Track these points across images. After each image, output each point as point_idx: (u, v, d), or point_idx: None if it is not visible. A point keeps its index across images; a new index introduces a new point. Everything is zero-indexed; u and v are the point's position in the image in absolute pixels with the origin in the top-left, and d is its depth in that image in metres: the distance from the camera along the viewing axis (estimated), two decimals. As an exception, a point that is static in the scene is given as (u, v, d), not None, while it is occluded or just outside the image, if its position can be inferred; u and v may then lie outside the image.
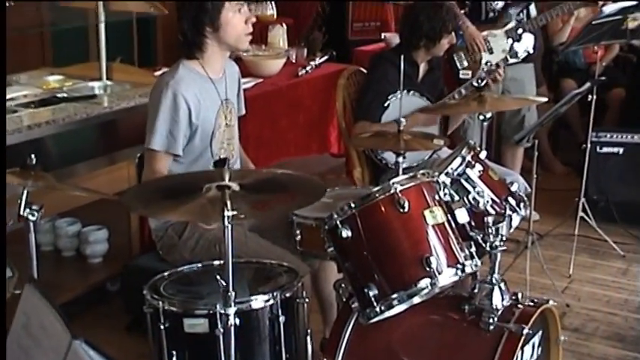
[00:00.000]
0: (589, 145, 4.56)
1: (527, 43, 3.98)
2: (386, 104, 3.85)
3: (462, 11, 4.77)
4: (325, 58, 5.21)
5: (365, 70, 4.20)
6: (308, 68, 4.95)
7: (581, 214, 4.55)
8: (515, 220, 2.97)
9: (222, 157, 2.91)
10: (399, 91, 3.74)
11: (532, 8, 4.80)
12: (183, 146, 2.95)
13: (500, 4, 4.79)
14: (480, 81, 3.36)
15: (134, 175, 3.43)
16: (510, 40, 4.61)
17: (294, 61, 5.17)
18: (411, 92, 3.91)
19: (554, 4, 4.86)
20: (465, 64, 4.71)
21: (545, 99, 3.85)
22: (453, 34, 3.96)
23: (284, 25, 5.45)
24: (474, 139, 3.31)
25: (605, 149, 5.06)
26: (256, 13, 6.04)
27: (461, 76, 4.63)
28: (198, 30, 2.94)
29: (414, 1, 4.19)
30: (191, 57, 2.99)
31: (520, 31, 4.48)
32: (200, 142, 2.99)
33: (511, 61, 4.09)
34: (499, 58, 4.43)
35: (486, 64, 3.89)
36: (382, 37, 5.90)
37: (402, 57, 3.25)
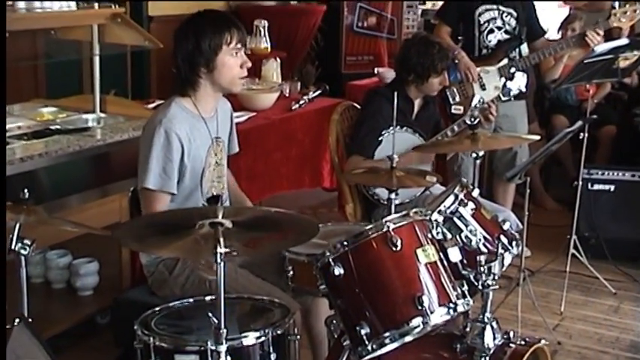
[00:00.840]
0: (581, 182, 4.59)
1: (519, 82, 4.02)
2: (379, 139, 3.87)
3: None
4: (318, 92, 5.23)
5: (358, 106, 4.23)
6: (301, 102, 4.97)
7: (572, 250, 4.56)
8: (508, 259, 2.98)
9: (215, 194, 2.92)
10: (392, 127, 3.76)
11: (524, 47, 4.85)
12: (176, 184, 2.94)
13: (494, 41, 4.84)
14: (473, 119, 3.38)
15: (126, 208, 3.42)
16: (503, 79, 4.65)
17: (287, 94, 5.19)
18: (404, 128, 3.93)
19: (548, 44, 4.91)
20: (458, 99, 4.74)
21: (538, 137, 3.87)
22: (445, 75, 3.98)
23: (278, 58, 5.48)
24: (467, 177, 3.33)
25: (596, 186, 5.09)
26: (250, 47, 6.09)
27: (453, 110, 4.68)
28: (192, 69, 2.94)
29: (411, 36, 4.23)
30: (184, 94, 3.00)
31: (513, 69, 4.53)
32: (190, 181, 2.98)
33: (504, 99, 4.13)
34: (491, 95, 4.48)
35: (479, 101, 3.92)
36: (375, 71, 5.93)
37: (396, 93, 3.27)
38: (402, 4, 7.80)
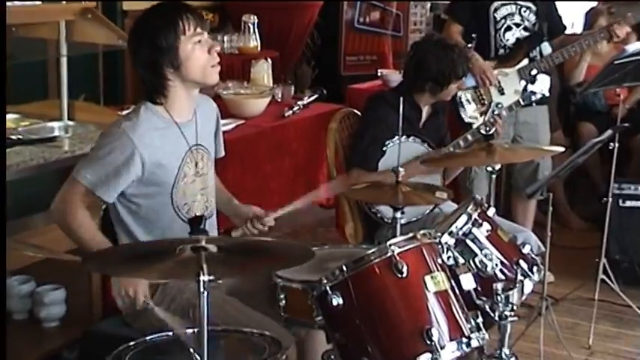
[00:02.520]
0: (611, 198, 4.59)
1: (542, 84, 4.05)
2: (383, 150, 3.88)
3: (469, 46, 4.84)
4: (315, 96, 5.25)
5: (360, 113, 4.24)
6: (295, 108, 4.99)
7: (601, 275, 4.56)
8: (528, 287, 2.99)
9: (197, 213, 2.93)
10: (396, 137, 3.77)
11: (545, 45, 4.87)
12: (114, 197, 2.95)
13: (512, 39, 4.86)
14: (487, 128, 3.40)
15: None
16: (523, 82, 4.66)
17: (279, 100, 5.21)
18: (411, 138, 3.95)
19: (569, 40, 4.94)
20: (473, 106, 4.76)
21: (562, 149, 3.88)
22: (464, 79, 4.01)
23: (268, 59, 5.50)
24: (481, 193, 3.34)
25: (628, 203, 5.10)
26: (238, 45, 6.12)
27: (467, 119, 4.69)
28: (156, 72, 2.94)
29: (423, 39, 4.24)
30: (154, 102, 3.02)
31: (534, 71, 4.55)
32: (159, 195, 3.00)
33: (523, 104, 4.14)
34: (511, 100, 4.48)
35: (497, 106, 3.93)
36: (378, 73, 5.96)
37: (402, 99, 3.28)
38: (408, -3, 7.84)
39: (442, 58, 3.90)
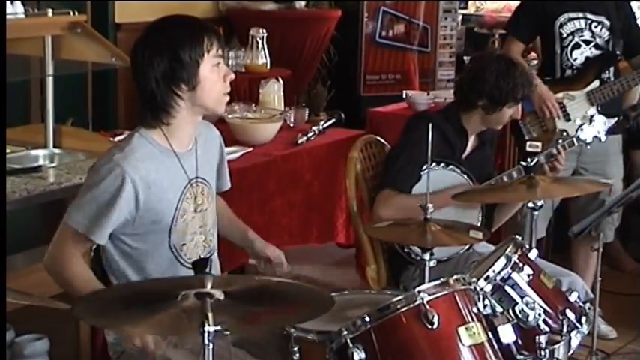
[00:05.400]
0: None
1: (597, 127, 4.02)
2: (420, 174, 3.87)
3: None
4: (331, 121, 5.27)
5: (383, 140, 4.26)
6: (309, 135, 5.01)
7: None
8: (575, 340, 2.99)
9: (201, 253, 2.95)
10: (434, 164, 3.80)
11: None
12: (107, 236, 2.97)
13: (580, 58, 4.83)
14: (529, 159, 3.41)
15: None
16: (593, 107, 4.64)
17: (291, 125, 5.23)
18: (450, 167, 3.95)
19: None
20: (534, 133, 4.72)
21: (611, 181, 3.88)
22: (520, 106, 4.02)
23: (279, 78, 5.53)
24: (538, 234, 3.33)
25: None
26: (245, 63, 6.15)
27: (528, 148, 4.62)
28: (170, 89, 2.96)
29: (484, 53, 4.24)
30: (153, 126, 3.03)
31: (591, 110, 4.52)
32: (154, 234, 3.02)
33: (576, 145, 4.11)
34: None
35: (562, 133, 3.92)
36: (404, 94, 5.98)
37: (431, 126, 3.29)
38: (437, 8, 7.87)
39: (503, 73, 3.90)
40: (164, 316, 2.28)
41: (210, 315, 2.18)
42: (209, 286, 2.19)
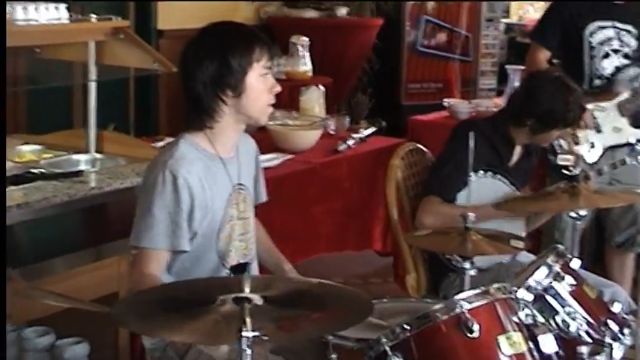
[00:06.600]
0: None
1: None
2: (465, 182, 3.84)
3: None
4: (372, 129, 5.27)
5: (424, 148, 4.25)
6: (350, 142, 5.01)
7: None
8: (617, 352, 2.95)
9: (240, 260, 2.94)
10: (482, 172, 3.80)
11: None
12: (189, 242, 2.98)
13: (610, 68, 4.80)
14: (572, 168, 3.38)
15: (126, 274, 3.46)
16: (625, 118, 4.59)
17: (332, 132, 5.23)
18: (498, 176, 3.93)
19: None
20: (566, 146, 4.69)
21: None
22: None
23: (320, 86, 5.53)
24: (569, 244, 3.31)
25: None
26: (286, 70, 6.16)
27: (559, 161, 4.58)
28: (216, 93, 2.98)
29: (542, 71, 4.21)
30: (198, 128, 3.04)
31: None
32: (202, 238, 3.01)
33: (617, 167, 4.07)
34: (610, 140, 4.44)
35: (592, 146, 3.89)
36: (445, 103, 5.97)
37: (472, 134, 3.28)
38: (479, 17, 7.86)
39: (557, 97, 3.87)
40: (202, 323, 2.27)
41: (248, 320, 2.17)
42: (247, 289, 2.18)
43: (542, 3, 8.57)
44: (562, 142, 4.62)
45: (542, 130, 3.92)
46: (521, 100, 3.97)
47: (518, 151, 4.04)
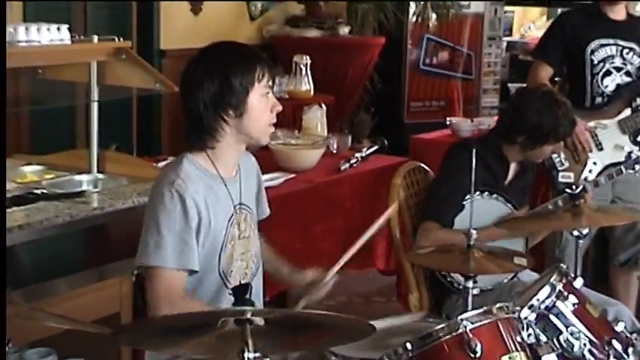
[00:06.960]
0: None
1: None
2: (462, 204, 3.84)
3: None
4: (374, 148, 5.27)
5: (427, 167, 4.24)
6: (352, 161, 5.01)
7: None
8: (622, 372, 2.95)
9: (241, 280, 2.93)
10: (478, 192, 3.78)
11: None
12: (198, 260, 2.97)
13: (612, 86, 4.78)
14: (575, 187, 3.37)
15: (128, 295, 3.46)
16: (626, 136, 4.59)
17: (334, 151, 5.23)
18: (494, 196, 3.92)
19: None
20: (567, 164, 4.68)
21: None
22: (561, 142, 3.98)
23: (322, 105, 5.53)
24: (568, 261, 3.31)
25: None
26: (288, 89, 6.17)
27: (560, 179, 4.58)
28: (218, 113, 2.97)
29: (530, 87, 4.22)
30: (199, 148, 3.04)
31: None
32: (205, 259, 3.00)
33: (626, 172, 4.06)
34: (611, 158, 4.43)
35: (594, 164, 3.89)
36: (447, 121, 5.97)
37: (474, 151, 3.27)
38: (481, 35, 7.87)
39: (545, 112, 3.87)
40: (204, 340, 2.27)
41: (250, 342, 2.17)
42: (249, 312, 2.18)
43: (544, 21, 8.65)
44: (563, 159, 4.63)
45: (533, 147, 3.91)
46: (510, 117, 3.97)
47: (513, 168, 4.03)
